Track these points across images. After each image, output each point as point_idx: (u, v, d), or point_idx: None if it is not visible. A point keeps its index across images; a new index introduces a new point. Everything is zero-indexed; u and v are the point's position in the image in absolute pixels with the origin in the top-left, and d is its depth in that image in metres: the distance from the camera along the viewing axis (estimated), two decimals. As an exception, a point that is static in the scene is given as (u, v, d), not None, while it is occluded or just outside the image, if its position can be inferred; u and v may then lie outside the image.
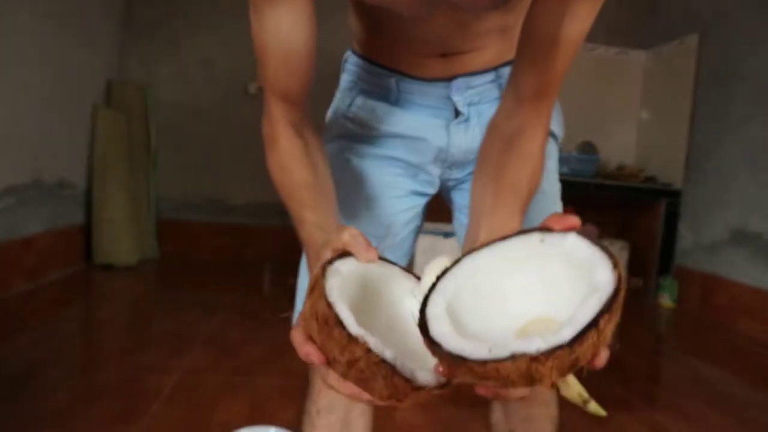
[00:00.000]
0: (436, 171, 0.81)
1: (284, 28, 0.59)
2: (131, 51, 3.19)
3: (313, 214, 0.59)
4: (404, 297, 0.50)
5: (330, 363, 0.42)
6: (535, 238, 0.45)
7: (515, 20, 0.68)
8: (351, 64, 0.82)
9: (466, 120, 0.77)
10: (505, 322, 0.44)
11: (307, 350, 0.43)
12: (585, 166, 3.16)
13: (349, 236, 0.48)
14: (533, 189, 0.59)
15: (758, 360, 2.23)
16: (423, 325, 0.41)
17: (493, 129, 0.64)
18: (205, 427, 1.32)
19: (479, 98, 0.76)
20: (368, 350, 0.39)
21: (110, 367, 1.64)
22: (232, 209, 3.28)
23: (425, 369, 0.41)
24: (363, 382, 0.41)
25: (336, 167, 0.74)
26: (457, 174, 0.81)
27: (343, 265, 0.46)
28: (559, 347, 0.35)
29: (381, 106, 0.79)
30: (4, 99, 2.17)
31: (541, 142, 0.60)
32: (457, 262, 0.47)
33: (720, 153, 2.85)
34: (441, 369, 0.40)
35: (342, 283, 0.44)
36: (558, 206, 0.83)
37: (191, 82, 3.23)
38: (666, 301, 2.97)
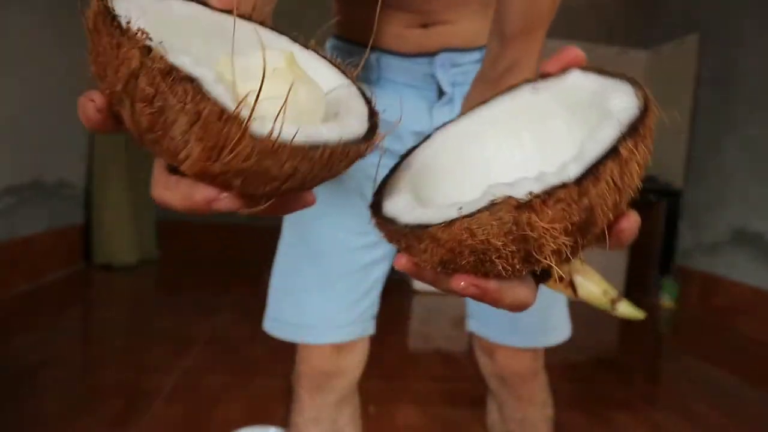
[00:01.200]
0: None
1: None
2: (131, 51, 3.19)
3: None
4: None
5: (110, 96, 0.26)
6: (525, 89, 0.36)
7: None
8: (330, 48, 0.79)
9: (450, 101, 0.73)
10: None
11: (85, 95, 0.28)
12: (585, 166, 3.15)
13: None
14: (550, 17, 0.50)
15: (758, 360, 2.23)
16: (376, 205, 0.31)
17: (477, 79, 0.55)
18: (205, 427, 1.32)
19: (464, 78, 0.73)
20: (147, 50, 0.23)
21: (110, 367, 1.64)
22: (232, 209, 3.28)
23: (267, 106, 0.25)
24: (159, 122, 0.23)
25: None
26: None
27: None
28: (562, 186, 0.24)
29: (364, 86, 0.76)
30: (4, 99, 2.17)
31: (532, 75, 0.53)
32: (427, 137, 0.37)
33: (720, 153, 2.85)
34: (400, 258, 0.29)
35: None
36: None
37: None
38: (666, 301, 2.97)
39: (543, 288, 0.72)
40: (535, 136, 0.35)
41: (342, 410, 0.82)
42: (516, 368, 0.80)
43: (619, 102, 0.28)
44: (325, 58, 0.37)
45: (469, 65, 0.73)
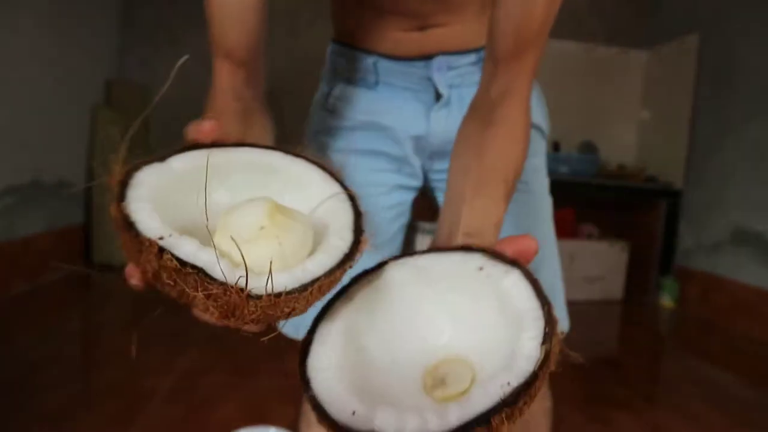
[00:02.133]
0: (417, 162, 0.78)
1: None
2: (131, 51, 3.19)
3: None
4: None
5: (144, 274, 0.34)
6: (474, 262, 0.39)
7: None
8: (329, 53, 0.80)
9: (447, 104, 0.74)
10: (416, 352, 0.38)
11: (126, 271, 0.36)
12: (585, 166, 3.15)
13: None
14: (520, 168, 0.52)
15: (758, 360, 2.23)
16: (303, 374, 0.35)
17: (472, 107, 0.57)
18: (205, 427, 1.32)
19: (461, 80, 0.73)
20: (160, 251, 0.31)
21: (110, 367, 1.64)
22: (232, 209, 3.28)
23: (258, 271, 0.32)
24: (184, 297, 0.33)
25: None
26: (438, 165, 0.78)
27: (150, 175, 0.38)
28: None
29: (360, 92, 0.77)
30: (4, 99, 2.17)
31: (524, 108, 0.54)
32: (380, 266, 0.41)
33: (720, 153, 2.85)
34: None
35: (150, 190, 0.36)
36: (546, 206, 0.79)
37: (191, 82, 3.22)
38: (666, 301, 2.97)
39: (543, 281, 0.72)
40: (468, 309, 0.38)
41: None
42: None
43: (524, 350, 0.32)
44: (314, 162, 0.43)
45: (465, 67, 0.73)
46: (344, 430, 0.31)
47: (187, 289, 0.31)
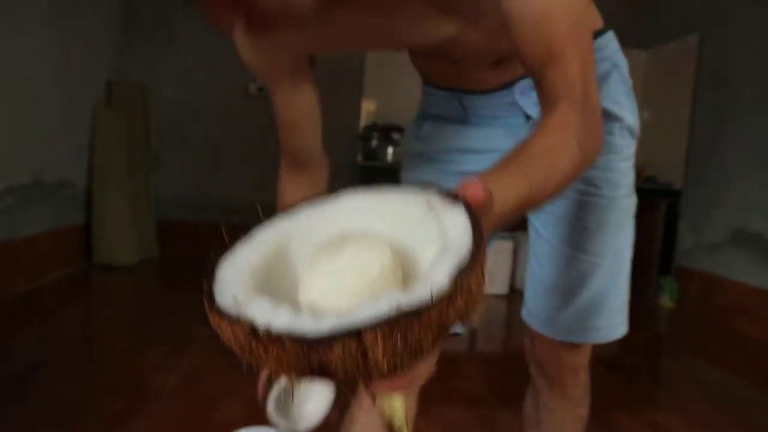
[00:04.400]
0: None
1: (286, 101, 0.71)
2: (131, 51, 3.19)
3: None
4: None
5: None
6: (422, 202, 0.37)
7: None
8: (423, 92, 0.85)
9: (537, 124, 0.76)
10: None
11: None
12: (585, 166, 3.16)
13: None
14: (559, 165, 0.49)
15: (758, 360, 2.23)
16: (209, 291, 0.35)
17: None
18: (205, 427, 1.32)
19: None
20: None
21: (110, 367, 1.64)
22: (232, 209, 3.28)
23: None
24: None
25: (404, 182, 0.82)
26: None
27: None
28: (296, 339, 0.28)
29: (452, 128, 0.81)
30: (4, 99, 2.17)
31: (576, 116, 0.51)
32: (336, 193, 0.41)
33: (720, 153, 2.85)
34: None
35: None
36: (619, 213, 0.78)
37: (191, 82, 3.23)
38: (666, 301, 2.97)
39: (590, 288, 0.72)
40: (401, 231, 0.38)
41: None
42: (551, 358, 0.83)
43: (436, 276, 0.30)
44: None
45: None
46: (216, 311, 0.32)
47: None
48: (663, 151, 3.30)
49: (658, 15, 3.45)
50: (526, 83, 0.73)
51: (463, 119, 0.80)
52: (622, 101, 0.76)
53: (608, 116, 0.73)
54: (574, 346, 0.81)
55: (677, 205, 3.08)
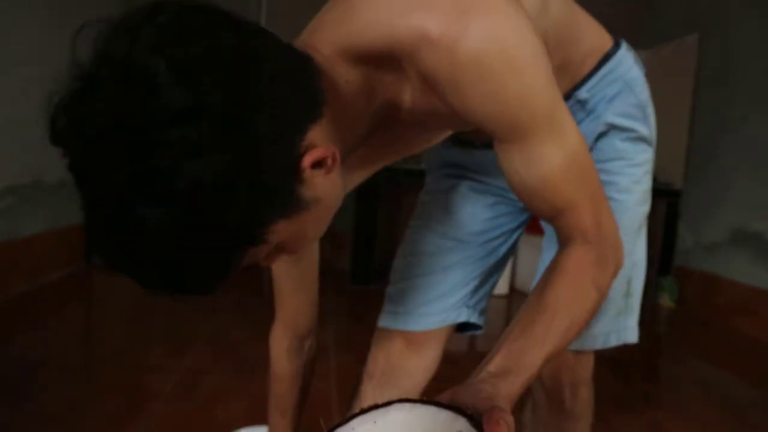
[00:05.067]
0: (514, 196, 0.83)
1: (288, 270, 0.73)
2: (131, 51, 3.19)
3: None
4: None
5: None
6: (456, 426, 0.42)
7: None
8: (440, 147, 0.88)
9: (592, 111, 0.76)
10: None
11: None
12: (585, 166, 3.16)
13: None
14: (577, 316, 0.52)
15: (758, 360, 2.23)
16: None
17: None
18: (205, 427, 1.32)
19: (597, 89, 0.76)
20: None
21: (110, 367, 1.64)
22: (232, 209, 3.28)
23: None
24: None
25: (428, 188, 0.90)
26: None
27: None
28: None
29: (464, 152, 0.84)
30: (5, 99, 2.17)
31: (579, 259, 0.54)
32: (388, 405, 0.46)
33: (720, 153, 2.85)
34: None
35: None
36: (635, 218, 0.78)
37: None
38: (666, 301, 2.97)
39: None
40: None
41: None
42: (552, 371, 0.82)
43: None
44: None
45: (596, 81, 0.76)
46: None
47: None
48: (663, 151, 3.28)
49: (658, 15, 3.45)
50: (571, 103, 0.75)
51: (476, 146, 0.82)
52: (633, 113, 0.76)
53: (614, 128, 0.74)
54: (575, 357, 0.80)
55: (677, 205, 3.08)
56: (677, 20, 3.26)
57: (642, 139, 0.77)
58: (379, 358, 0.84)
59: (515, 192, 0.56)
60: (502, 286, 2.92)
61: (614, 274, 0.56)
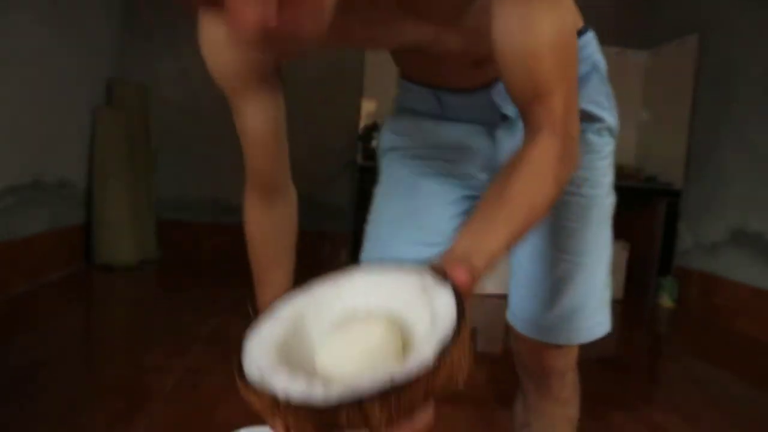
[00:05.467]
0: (485, 177, 0.81)
1: (255, 116, 0.66)
2: (131, 51, 3.19)
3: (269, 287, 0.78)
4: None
5: None
6: (418, 283, 0.44)
7: None
8: (400, 87, 0.85)
9: (512, 124, 0.75)
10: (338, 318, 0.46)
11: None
12: (585, 166, 3.16)
13: None
14: (545, 204, 0.54)
15: (758, 360, 2.23)
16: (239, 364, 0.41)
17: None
18: (206, 427, 1.32)
19: None
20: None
21: (111, 367, 1.64)
22: (232, 209, 3.28)
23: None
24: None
25: (387, 179, 0.84)
26: None
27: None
28: (309, 409, 0.34)
29: (428, 123, 0.81)
30: (4, 99, 2.17)
31: (555, 148, 0.54)
32: (348, 269, 0.48)
33: (720, 153, 2.85)
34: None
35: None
36: (599, 211, 0.78)
37: (191, 82, 3.22)
38: (666, 301, 2.97)
39: (574, 288, 0.74)
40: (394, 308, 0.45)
41: None
42: (536, 360, 0.83)
43: (422, 350, 0.37)
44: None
45: None
46: (242, 377, 0.39)
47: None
48: (663, 151, 3.30)
49: (658, 15, 3.45)
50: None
51: (438, 115, 0.80)
52: (602, 102, 0.75)
53: (588, 117, 0.73)
54: (559, 348, 0.81)
55: (677, 205, 3.08)
56: (677, 20, 3.26)
57: (608, 130, 0.77)
58: None
59: (501, 62, 0.55)
60: (502, 286, 2.92)
61: (572, 172, 0.57)
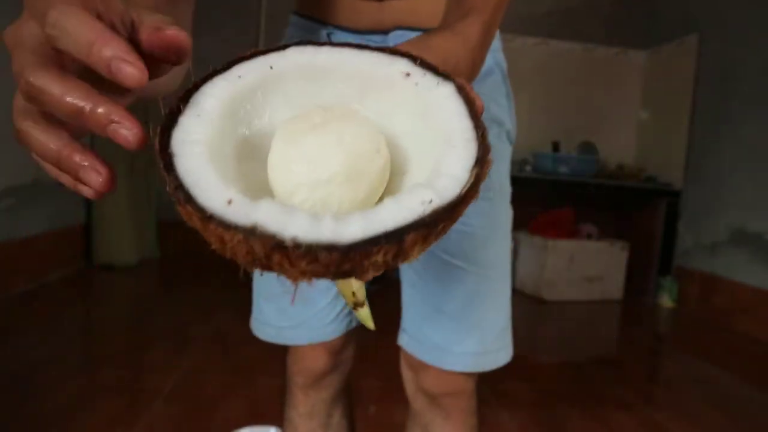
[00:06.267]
0: None
1: None
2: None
3: None
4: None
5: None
6: (399, 66, 0.32)
7: None
8: (290, 25, 0.77)
9: None
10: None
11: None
12: (585, 166, 3.16)
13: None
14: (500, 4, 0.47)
15: (758, 360, 2.24)
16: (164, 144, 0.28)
17: (440, 26, 0.48)
18: (205, 427, 1.32)
19: None
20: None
21: (111, 367, 1.64)
22: (232, 209, 3.28)
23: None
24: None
25: None
26: None
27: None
28: (328, 249, 0.23)
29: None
30: (4, 99, 2.17)
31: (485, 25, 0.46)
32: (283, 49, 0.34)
33: (720, 153, 2.85)
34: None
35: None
36: (505, 218, 0.73)
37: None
38: (666, 301, 2.97)
39: (483, 312, 0.69)
40: (385, 120, 0.33)
41: (336, 405, 0.83)
42: (447, 388, 0.74)
43: (449, 170, 0.27)
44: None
45: None
46: (218, 220, 0.26)
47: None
48: (662, 151, 3.30)
49: (658, 15, 3.45)
50: (400, 35, 0.68)
51: None
52: (502, 102, 0.71)
53: (489, 119, 0.68)
54: (469, 373, 0.73)
55: (677, 205, 3.08)
56: (677, 20, 3.27)
57: (508, 136, 0.73)
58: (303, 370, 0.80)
59: None
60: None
61: None
